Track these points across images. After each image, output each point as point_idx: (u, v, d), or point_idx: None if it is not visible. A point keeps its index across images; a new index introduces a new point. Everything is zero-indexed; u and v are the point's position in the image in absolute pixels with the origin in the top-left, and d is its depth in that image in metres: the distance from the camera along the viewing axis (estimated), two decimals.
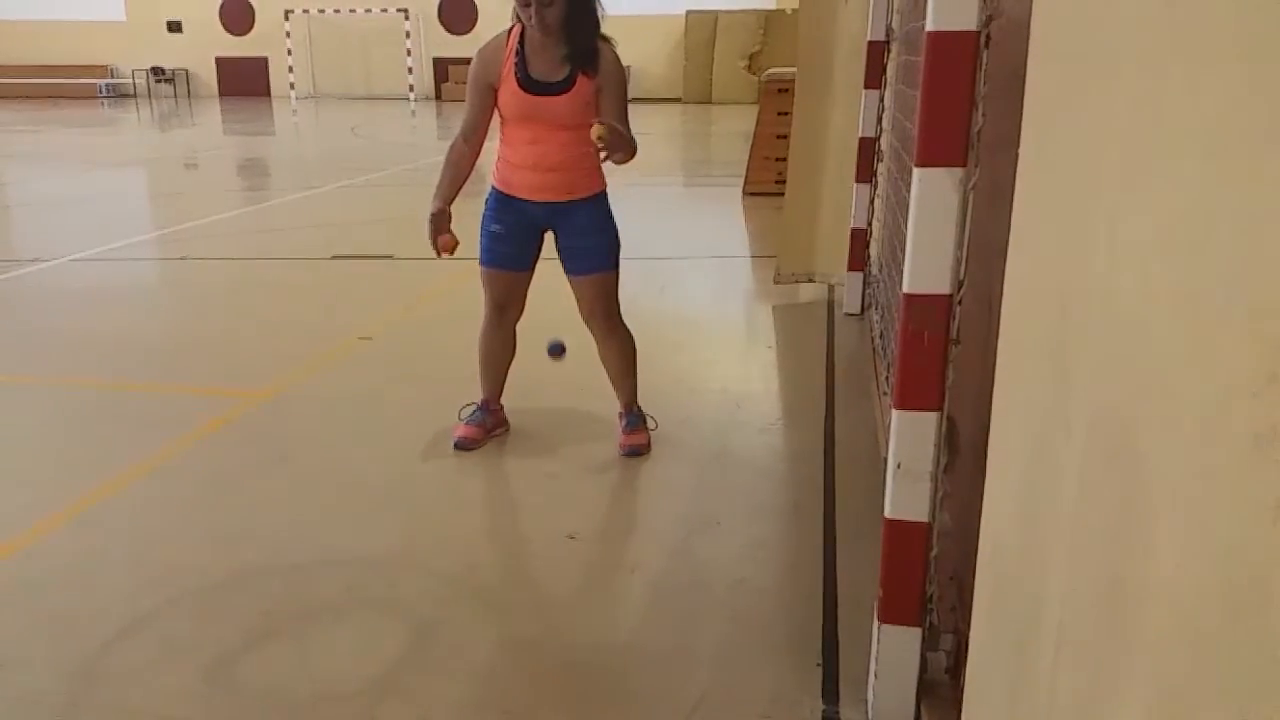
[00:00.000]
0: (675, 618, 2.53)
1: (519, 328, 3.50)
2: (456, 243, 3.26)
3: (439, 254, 3.28)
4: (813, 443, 3.60)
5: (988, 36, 1.72)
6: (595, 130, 2.96)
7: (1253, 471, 0.63)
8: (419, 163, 11.76)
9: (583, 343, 3.53)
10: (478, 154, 3.37)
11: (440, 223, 3.26)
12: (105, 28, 26.39)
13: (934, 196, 1.80)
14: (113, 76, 26.65)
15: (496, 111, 3.26)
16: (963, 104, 1.75)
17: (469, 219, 3.35)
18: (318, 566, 2.79)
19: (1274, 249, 0.62)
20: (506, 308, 3.44)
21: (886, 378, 3.23)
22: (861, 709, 2.13)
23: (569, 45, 3.11)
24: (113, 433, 3.77)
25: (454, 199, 3.30)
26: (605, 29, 3.21)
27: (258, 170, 13.11)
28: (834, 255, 5.27)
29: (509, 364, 3.56)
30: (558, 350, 3.46)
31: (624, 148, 3.04)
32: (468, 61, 3.38)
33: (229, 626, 2.49)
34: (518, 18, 3.15)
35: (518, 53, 3.16)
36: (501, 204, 3.31)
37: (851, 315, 5.13)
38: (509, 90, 3.17)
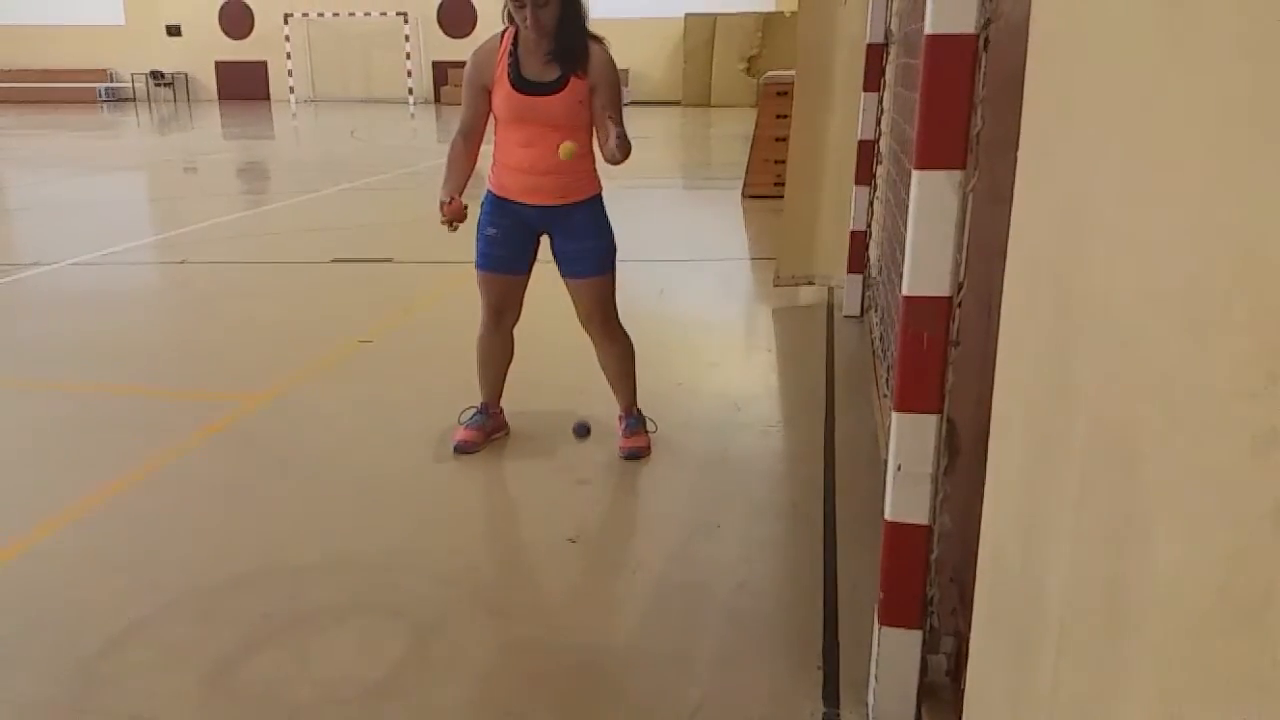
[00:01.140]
0: (675, 620, 2.53)
1: (517, 330, 3.50)
2: (464, 206, 3.24)
3: (451, 225, 3.24)
4: (813, 445, 3.60)
5: (986, 39, 1.73)
6: (564, 147, 3.04)
7: (1252, 473, 0.63)
8: (419, 166, 11.77)
9: (582, 344, 3.53)
10: (477, 150, 3.36)
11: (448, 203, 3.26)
12: (104, 32, 26.40)
13: (933, 199, 1.80)
14: (112, 80, 26.66)
15: (492, 113, 3.26)
16: (961, 107, 1.75)
17: (467, 221, 3.34)
18: (317, 569, 2.79)
19: (1274, 249, 0.62)
20: (503, 312, 3.43)
21: (886, 380, 3.23)
22: (862, 712, 2.13)
23: (557, 45, 3.12)
24: (112, 436, 3.77)
25: (462, 190, 3.28)
26: (603, 32, 3.21)
27: (257, 174, 13.10)
28: (833, 257, 5.27)
29: (507, 367, 3.56)
30: (583, 432, 3.55)
31: (620, 137, 3.06)
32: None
33: (229, 630, 2.49)
34: (510, 19, 3.15)
35: (511, 54, 3.17)
36: (497, 207, 3.31)
37: (851, 317, 5.13)
38: (503, 91, 3.17)
